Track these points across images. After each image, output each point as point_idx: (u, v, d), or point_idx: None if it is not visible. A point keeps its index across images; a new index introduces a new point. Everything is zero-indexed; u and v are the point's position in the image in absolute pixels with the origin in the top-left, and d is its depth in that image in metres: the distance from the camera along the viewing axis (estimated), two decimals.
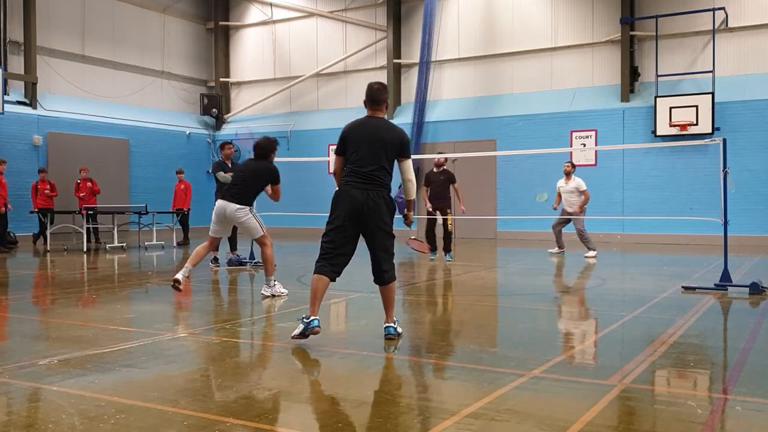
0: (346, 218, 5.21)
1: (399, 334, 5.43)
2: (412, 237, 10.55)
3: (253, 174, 7.83)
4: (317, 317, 5.17)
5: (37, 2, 17.99)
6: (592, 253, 12.64)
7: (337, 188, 5.39)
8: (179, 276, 7.35)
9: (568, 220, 13.06)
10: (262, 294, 7.71)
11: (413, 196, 5.54)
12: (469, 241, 17.44)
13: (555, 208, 13.38)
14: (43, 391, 4.04)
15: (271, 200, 8.17)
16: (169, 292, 7.65)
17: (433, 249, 12.14)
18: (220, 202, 7.76)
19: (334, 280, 5.34)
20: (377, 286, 5.56)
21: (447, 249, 12.00)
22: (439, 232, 12.22)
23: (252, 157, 8.03)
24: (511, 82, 18.91)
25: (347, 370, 4.67)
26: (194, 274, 8.32)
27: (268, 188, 8.05)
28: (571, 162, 13.41)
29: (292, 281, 9.27)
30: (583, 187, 12.99)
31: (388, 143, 5.31)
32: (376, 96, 5.54)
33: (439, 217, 12.07)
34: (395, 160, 5.40)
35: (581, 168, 17.43)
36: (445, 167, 12.16)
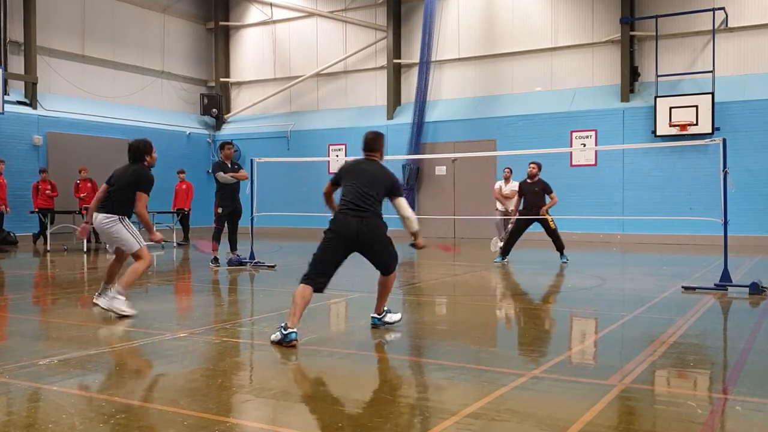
0: (341, 239, 5.47)
1: (385, 323, 5.83)
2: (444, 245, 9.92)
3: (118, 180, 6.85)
4: (295, 330, 5.17)
5: (37, 2, 17.99)
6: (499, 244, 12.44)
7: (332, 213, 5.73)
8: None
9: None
10: (94, 302, 6.78)
11: (416, 227, 5.87)
12: (469, 241, 17.44)
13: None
14: (43, 391, 4.04)
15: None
16: (170, 292, 7.65)
17: (505, 254, 11.72)
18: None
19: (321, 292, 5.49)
20: (376, 283, 5.77)
21: (560, 249, 11.56)
22: (530, 236, 11.93)
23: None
24: (511, 82, 18.92)
25: (347, 370, 4.67)
26: (194, 274, 8.26)
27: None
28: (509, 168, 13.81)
29: (292, 281, 9.26)
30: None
31: (379, 182, 5.68)
32: (370, 145, 5.93)
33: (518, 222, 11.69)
34: (386, 198, 5.75)
35: (581, 168, 17.47)
36: (538, 177, 11.64)
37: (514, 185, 13.35)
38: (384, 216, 5.70)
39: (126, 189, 6.71)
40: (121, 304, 6.43)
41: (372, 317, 5.90)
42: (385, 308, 5.97)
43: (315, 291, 5.38)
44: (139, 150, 6.92)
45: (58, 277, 10.47)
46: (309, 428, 3.53)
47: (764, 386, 4.12)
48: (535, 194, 11.63)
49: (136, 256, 6.68)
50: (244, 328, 6.17)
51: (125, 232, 6.68)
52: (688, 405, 3.73)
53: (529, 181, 11.72)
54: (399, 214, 5.80)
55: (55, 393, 3.97)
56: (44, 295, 8.57)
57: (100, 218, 6.68)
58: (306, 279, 5.39)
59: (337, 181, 5.84)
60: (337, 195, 5.85)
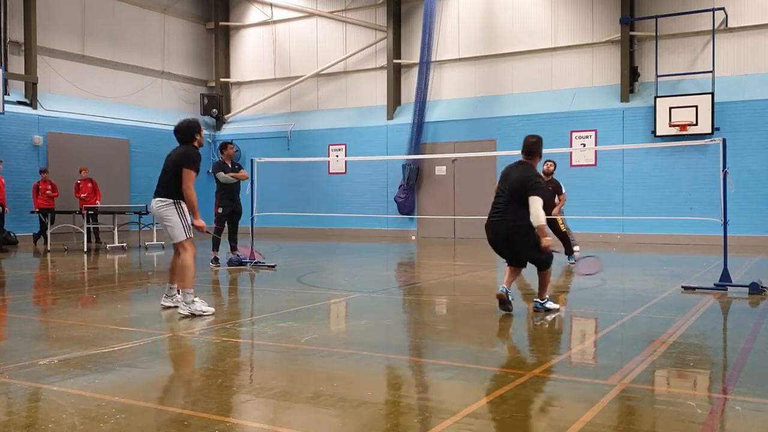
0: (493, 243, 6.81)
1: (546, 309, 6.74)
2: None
3: (166, 162, 6.80)
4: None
5: (37, 2, 17.99)
6: None
7: None
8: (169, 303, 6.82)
9: None
10: (179, 313, 6.54)
11: (541, 221, 6.43)
12: (469, 241, 17.44)
13: None
14: (44, 391, 4.04)
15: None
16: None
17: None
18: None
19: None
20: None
21: (568, 251, 11.53)
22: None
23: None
24: (511, 82, 18.92)
25: (347, 370, 4.67)
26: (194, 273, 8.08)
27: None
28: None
29: (292, 281, 9.28)
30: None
31: (515, 185, 6.54)
32: (531, 148, 6.77)
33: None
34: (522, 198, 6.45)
35: (581, 168, 17.47)
36: (552, 177, 11.66)
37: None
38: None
39: (172, 170, 6.56)
40: (201, 305, 6.45)
41: (534, 301, 6.83)
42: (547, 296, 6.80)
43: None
44: (189, 129, 6.82)
45: (58, 277, 10.47)
46: (309, 428, 3.53)
47: (764, 386, 4.12)
48: (548, 193, 11.64)
49: (182, 247, 6.53)
50: (244, 328, 6.16)
51: (177, 218, 6.51)
52: (688, 405, 3.73)
53: (545, 178, 11.72)
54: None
55: (55, 393, 3.97)
56: (44, 295, 8.58)
57: (154, 203, 6.60)
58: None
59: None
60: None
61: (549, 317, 6.49)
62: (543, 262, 6.63)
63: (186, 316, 6.41)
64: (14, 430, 3.36)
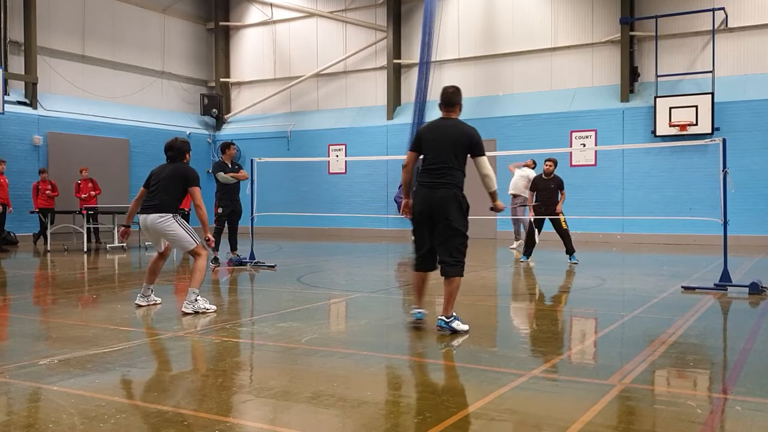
0: (419, 216, 5.74)
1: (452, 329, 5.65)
2: None
3: (161, 179, 6.89)
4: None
5: (37, 2, 17.99)
6: (515, 244, 12.58)
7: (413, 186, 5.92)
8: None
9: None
10: (183, 311, 6.62)
11: (494, 187, 5.80)
12: (469, 241, 17.43)
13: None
14: (44, 391, 4.04)
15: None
16: (169, 292, 7.66)
17: (528, 253, 11.84)
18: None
19: (430, 271, 5.90)
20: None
21: (569, 250, 11.56)
22: (547, 237, 12.11)
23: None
24: (511, 82, 18.92)
25: (347, 370, 4.67)
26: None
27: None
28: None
29: (292, 281, 9.28)
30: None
31: (458, 143, 5.67)
32: (449, 99, 5.86)
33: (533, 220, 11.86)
34: (466, 158, 5.71)
35: (581, 168, 17.47)
36: (555, 174, 11.82)
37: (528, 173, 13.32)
38: None
39: (171, 185, 6.77)
40: (204, 303, 6.66)
41: (439, 319, 5.77)
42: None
43: (426, 272, 5.96)
44: (182, 148, 7.02)
45: (58, 277, 10.47)
46: (309, 428, 3.53)
47: (764, 386, 4.12)
48: (550, 191, 11.78)
49: (195, 254, 6.77)
50: (244, 328, 6.16)
51: (181, 230, 6.73)
52: (688, 405, 3.73)
53: (544, 177, 11.86)
54: (479, 173, 5.76)
55: (55, 393, 3.97)
56: (44, 295, 8.58)
57: (152, 218, 6.76)
58: (414, 266, 6.03)
59: (417, 147, 5.93)
60: None
61: (455, 342, 5.36)
62: (458, 266, 5.65)
63: (189, 314, 6.54)
64: (14, 430, 3.36)
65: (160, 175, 6.90)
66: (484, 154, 5.72)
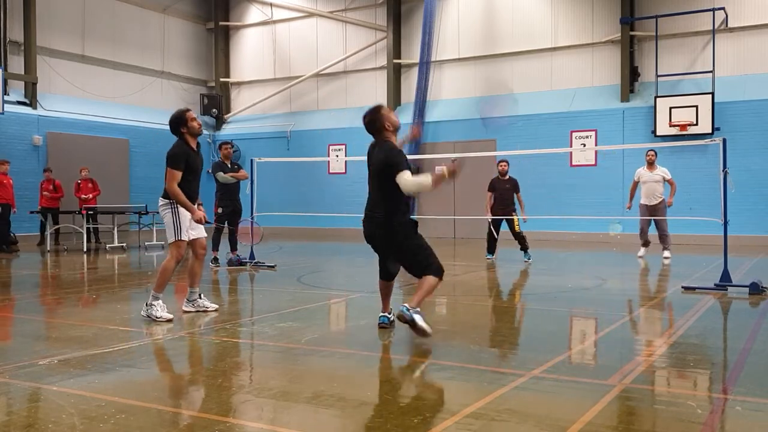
0: (369, 240, 5.71)
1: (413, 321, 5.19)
2: None
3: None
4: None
5: (37, 2, 17.98)
6: (667, 254, 12.35)
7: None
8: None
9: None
10: (183, 309, 6.55)
11: (428, 184, 5.30)
12: (469, 241, 17.45)
13: (629, 208, 13.24)
14: (43, 391, 4.04)
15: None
16: (169, 292, 7.65)
17: (491, 251, 12.28)
18: None
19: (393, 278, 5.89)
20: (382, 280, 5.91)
21: (524, 248, 11.91)
22: (504, 235, 12.30)
23: None
24: (511, 82, 18.90)
25: (347, 370, 4.67)
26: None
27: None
28: (654, 150, 13.03)
29: (292, 281, 9.27)
30: (669, 175, 12.77)
31: (378, 168, 5.60)
32: (371, 127, 5.90)
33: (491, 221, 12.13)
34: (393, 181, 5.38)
35: (581, 168, 17.47)
36: (510, 175, 12.25)
37: (662, 171, 12.85)
38: None
39: (165, 169, 6.23)
40: (156, 311, 6.14)
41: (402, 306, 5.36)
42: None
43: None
44: (175, 122, 6.45)
45: (58, 277, 10.47)
46: (309, 428, 3.53)
47: (764, 386, 4.12)
48: (506, 191, 12.24)
49: (168, 249, 6.30)
50: (244, 328, 6.16)
51: (169, 219, 6.20)
52: (688, 405, 3.73)
53: (501, 178, 12.30)
54: (406, 192, 5.37)
55: (55, 393, 3.97)
56: (44, 296, 8.57)
57: (159, 202, 6.36)
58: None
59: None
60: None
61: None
62: (429, 268, 5.44)
63: (144, 317, 6.18)
64: (14, 430, 3.35)
65: None
66: (401, 171, 5.31)
